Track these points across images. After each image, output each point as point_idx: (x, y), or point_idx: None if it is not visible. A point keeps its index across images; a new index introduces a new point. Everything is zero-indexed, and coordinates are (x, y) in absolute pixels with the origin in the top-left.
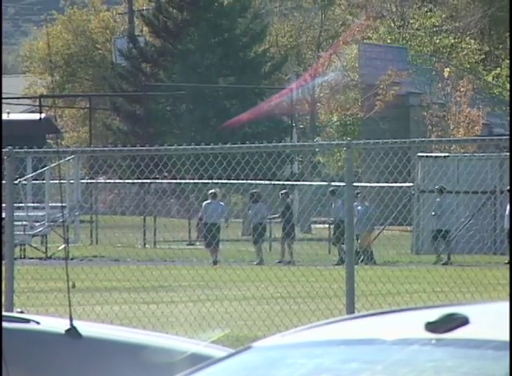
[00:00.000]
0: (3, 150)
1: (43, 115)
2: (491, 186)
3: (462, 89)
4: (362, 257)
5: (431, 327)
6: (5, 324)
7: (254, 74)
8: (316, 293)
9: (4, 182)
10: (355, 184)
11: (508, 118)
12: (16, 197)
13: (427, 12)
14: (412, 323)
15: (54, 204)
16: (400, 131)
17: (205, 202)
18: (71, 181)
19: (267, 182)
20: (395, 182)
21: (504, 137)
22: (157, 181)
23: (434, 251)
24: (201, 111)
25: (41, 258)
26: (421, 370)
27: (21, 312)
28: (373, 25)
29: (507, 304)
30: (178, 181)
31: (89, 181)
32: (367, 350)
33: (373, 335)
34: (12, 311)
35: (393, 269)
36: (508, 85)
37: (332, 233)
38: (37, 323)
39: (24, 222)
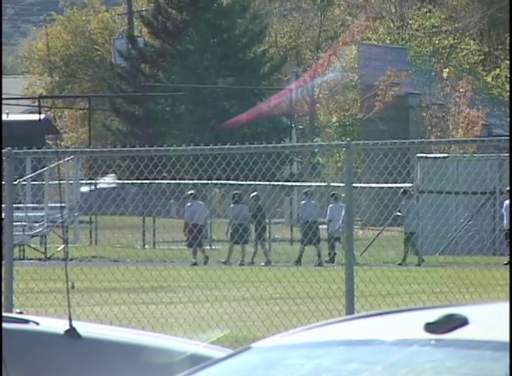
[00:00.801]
0: (2, 150)
1: (42, 116)
2: (490, 187)
3: (461, 90)
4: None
5: (431, 327)
6: (4, 325)
7: (254, 74)
8: (316, 294)
9: (3, 182)
10: (354, 185)
11: (507, 119)
12: (15, 197)
13: (426, 12)
14: (411, 324)
15: (53, 205)
16: (399, 131)
17: (187, 205)
18: (70, 181)
19: (266, 182)
20: (395, 183)
21: (503, 138)
22: (156, 181)
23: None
24: (200, 112)
25: (40, 259)
26: (420, 370)
27: (20, 312)
28: (372, 26)
29: (507, 304)
30: (178, 181)
31: (89, 181)
32: (366, 351)
33: (373, 336)
34: (11, 312)
35: (392, 270)
36: (507, 86)
37: (302, 234)
38: (37, 323)
39: (23, 223)
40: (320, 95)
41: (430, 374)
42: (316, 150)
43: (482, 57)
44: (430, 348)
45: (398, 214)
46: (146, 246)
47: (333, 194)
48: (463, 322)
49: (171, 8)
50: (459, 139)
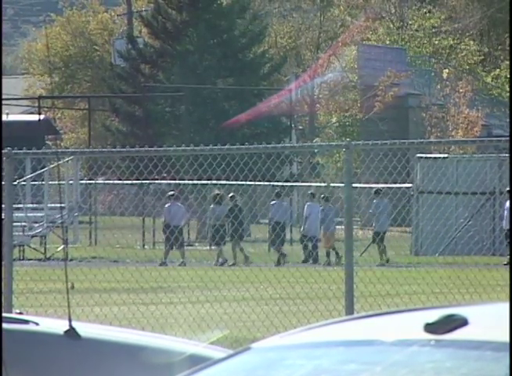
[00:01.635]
0: (2, 150)
1: (42, 116)
2: (490, 187)
3: (461, 90)
4: (328, 258)
5: (430, 328)
6: (4, 325)
7: (253, 75)
8: (315, 294)
9: (3, 183)
10: (354, 185)
11: (507, 119)
12: (15, 197)
13: (426, 13)
14: (411, 324)
15: (53, 205)
16: (399, 132)
17: (166, 205)
18: (70, 182)
19: (266, 183)
20: (394, 183)
21: (503, 138)
22: (156, 182)
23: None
24: (200, 112)
25: (40, 259)
26: (420, 371)
27: (20, 313)
28: (372, 26)
29: (506, 305)
30: (177, 182)
31: (88, 181)
32: (366, 351)
33: (373, 336)
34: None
35: (392, 270)
36: (507, 86)
37: (269, 234)
38: (36, 324)
39: (23, 223)
40: (320, 96)
41: (430, 375)
42: (316, 151)
43: (482, 58)
44: (430, 348)
45: (371, 211)
46: (146, 246)
47: (311, 193)
48: (462, 322)
49: (171, 8)
50: (458, 139)
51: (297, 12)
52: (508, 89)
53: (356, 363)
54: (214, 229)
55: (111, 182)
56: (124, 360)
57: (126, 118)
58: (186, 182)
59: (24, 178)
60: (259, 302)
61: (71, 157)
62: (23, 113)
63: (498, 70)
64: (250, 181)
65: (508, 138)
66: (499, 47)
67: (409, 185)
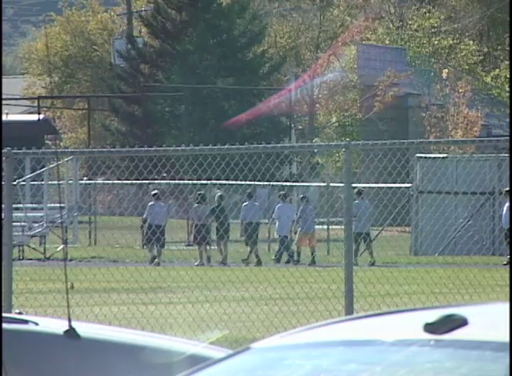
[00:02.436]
0: (2, 150)
1: (41, 116)
2: (489, 187)
3: (460, 90)
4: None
5: (430, 328)
6: (3, 325)
7: (253, 74)
8: (315, 294)
9: (2, 182)
10: (353, 185)
11: (507, 119)
12: (14, 197)
13: (425, 13)
14: (410, 324)
15: (52, 205)
16: (399, 132)
17: (149, 204)
18: (70, 182)
19: (266, 183)
20: (394, 183)
21: (503, 138)
22: (156, 182)
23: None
24: (200, 112)
25: (39, 259)
26: (420, 371)
27: (20, 313)
28: (371, 26)
29: (506, 305)
30: (177, 182)
31: (88, 181)
32: (366, 351)
33: (372, 336)
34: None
35: (392, 270)
36: (507, 86)
37: (244, 233)
38: (36, 324)
39: (23, 223)
40: (320, 96)
41: (430, 375)
42: (316, 151)
43: (482, 58)
44: (430, 348)
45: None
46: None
47: (281, 194)
48: (462, 322)
49: (171, 8)
50: (458, 139)
51: (297, 12)
52: (508, 89)
53: (356, 363)
54: (196, 228)
55: (111, 182)
56: (124, 360)
57: (125, 118)
58: (186, 181)
59: (24, 178)
60: (259, 302)
61: (71, 157)
62: (22, 113)
63: (497, 70)
64: (250, 181)
65: (508, 138)
66: (499, 47)
67: (409, 185)
